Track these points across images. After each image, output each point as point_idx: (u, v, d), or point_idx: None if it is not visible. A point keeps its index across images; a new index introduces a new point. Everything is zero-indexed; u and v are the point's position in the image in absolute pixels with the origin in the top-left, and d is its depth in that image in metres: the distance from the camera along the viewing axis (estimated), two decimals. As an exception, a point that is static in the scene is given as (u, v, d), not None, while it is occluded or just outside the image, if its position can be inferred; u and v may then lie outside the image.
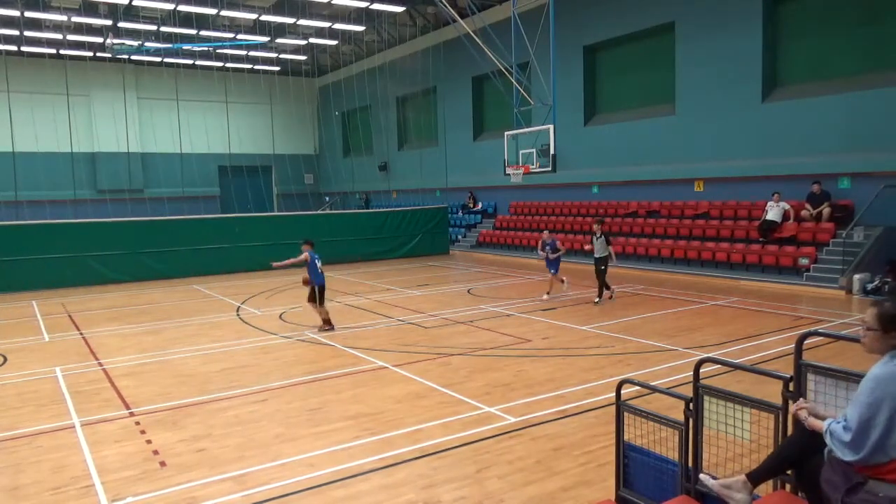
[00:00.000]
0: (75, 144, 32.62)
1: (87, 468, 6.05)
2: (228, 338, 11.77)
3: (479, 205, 28.71)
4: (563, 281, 15.18)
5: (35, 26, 26.92)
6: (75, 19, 25.96)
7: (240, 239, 21.65)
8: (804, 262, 15.97)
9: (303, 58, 35.35)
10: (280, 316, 13.76)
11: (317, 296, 11.98)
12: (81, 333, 12.48)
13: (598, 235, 14.12)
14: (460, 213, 29.24)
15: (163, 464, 6.09)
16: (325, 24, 28.14)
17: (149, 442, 6.66)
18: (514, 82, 19.13)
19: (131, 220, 21.27)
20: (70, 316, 14.46)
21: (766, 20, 17.95)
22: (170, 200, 33.36)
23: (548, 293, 15.07)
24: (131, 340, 11.74)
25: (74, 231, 19.46)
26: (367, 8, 26.35)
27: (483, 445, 6.32)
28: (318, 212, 29.50)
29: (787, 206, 16.98)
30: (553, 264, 14.96)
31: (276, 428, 6.99)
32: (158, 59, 33.53)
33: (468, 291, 16.59)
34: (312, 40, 31.24)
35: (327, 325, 12.10)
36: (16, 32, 27.43)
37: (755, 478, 3.55)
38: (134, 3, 24.23)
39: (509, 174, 18.95)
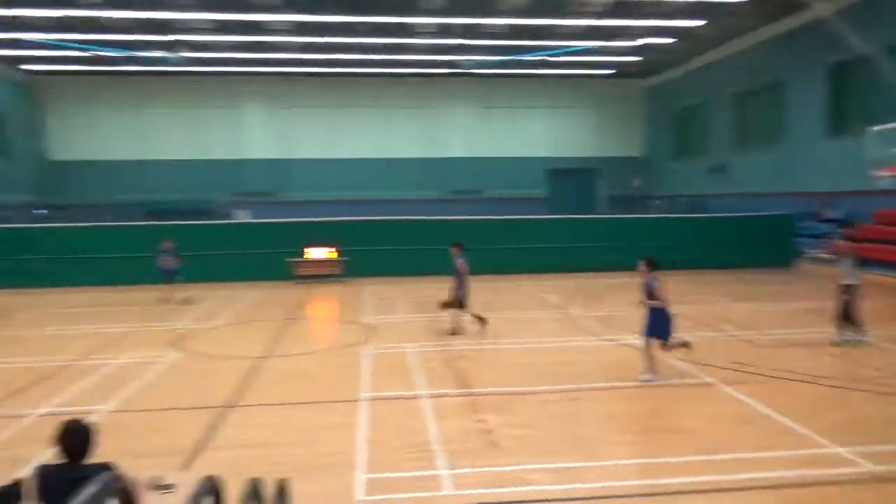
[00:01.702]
0: (430, 151, 37.97)
1: (429, 435, 6.95)
2: (553, 334, 12.31)
3: (834, 213, 24.96)
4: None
5: (403, 50, 31.51)
6: (434, 41, 29.67)
7: (568, 240, 22.40)
8: None
9: (634, 59, 34.95)
10: (603, 318, 13.88)
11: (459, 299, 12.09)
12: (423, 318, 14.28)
13: None
14: (810, 222, 25.77)
15: (493, 443, 6.68)
16: (660, 23, 27.40)
17: (481, 421, 7.36)
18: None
19: (469, 219, 23.57)
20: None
21: None
22: (505, 201, 36.11)
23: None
24: (471, 328, 13.02)
25: (424, 227, 22.32)
26: (706, 1, 24.93)
27: (827, 493, 5.55)
28: (644, 215, 28.90)
29: None
30: None
31: (596, 428, 7.12)
32: (500, 71, 36.42)
33: (813, 310, 14.60)
34: (646, 41, 30.70)
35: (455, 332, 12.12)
36: (388, 57, 32.48)
37: None
38: (481, 22, 26.77)
39: (883, 176, 16.03)
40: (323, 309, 17.03)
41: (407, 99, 37.85)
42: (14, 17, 25.42)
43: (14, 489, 4.03)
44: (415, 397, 8.35)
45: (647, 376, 8.87)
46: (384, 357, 10.65)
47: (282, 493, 4.23)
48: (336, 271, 20.79)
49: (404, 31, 28.18)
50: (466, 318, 12.41)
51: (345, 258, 20.74)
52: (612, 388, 8.74)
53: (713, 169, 32.41)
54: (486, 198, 37.84)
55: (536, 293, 17.78)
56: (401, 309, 15.50)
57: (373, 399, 8.28)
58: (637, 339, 11.52)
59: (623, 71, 37.38)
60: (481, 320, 12.35)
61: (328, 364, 10.44)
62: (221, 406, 8.02)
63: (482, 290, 18.43)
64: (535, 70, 36.40)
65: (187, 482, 4.08)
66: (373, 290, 18.60)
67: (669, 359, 10.11)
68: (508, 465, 6.13)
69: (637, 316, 12.63)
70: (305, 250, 20.81)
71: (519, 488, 5.66)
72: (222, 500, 3.28)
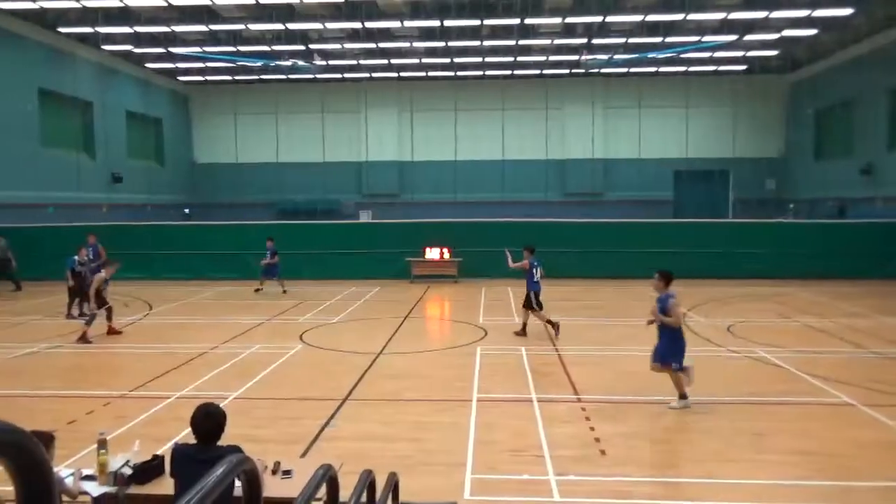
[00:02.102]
0: (550, 153, 37.73)
1: (539, 439, 6.91)
2: (671, 343, 11.79)
3: None
4: None
5: (525, 52, 31.40)
6: (557, 42, 29.33)
7: (693, 244, 21.41)
8: None
9: (773, 53, 32.71)
10: (728, 328, 13.15)
11: (532, 302, 12.08)
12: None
13: None
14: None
15: (603, 452, 6.53)
16: (802, 13, 25.46)
17: (592, 429, 7.22)
18: None
19: (587, 222, 23.11)
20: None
21: None
22: (626, 204, 35.06)
23: None
24: (583, 333, 12.79)
25: (539, 229, 22.15)
26: (858, -12, 22.90)
27: None
28: (779, 220, 27.00)
29: None
30: None
31: (713, 444, 6.77)
32: (624, 70, 35.39)
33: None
34: (786, 33, 28.66)
35: (551, 325, 12.09)
36: (510, 59, 32.49)
37: None
38: (607, 20, 26.14)
39: None
40: (438, 308, 17.35)
41: (528, 100, 37.69)
42: (171, 33, 27.97)
43: (154, 463, 4.47)
44: (525, 400, 8.32)
45: (677, 403, 7.89)
46: (496, 358, 10.70)
47: (393, 486, 4.39)
48: (452, 271, 21.14)
49: (527, 32, 28.09)
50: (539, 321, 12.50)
51: (461, 259, 21.03)
52: (734, 402, 8.26)
53: (862, 171, 29.69)
54: (607, 201, 36.93)
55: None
56: (514, 311, 15.48)
57: (483, 400, 8.34)
58: (764, 351, 10.82)
59: (759, 66, 35.14)
60: (553, 325, 12.23)
61: (441, 363, 10.64)
62: (338, 399, 8.40)
63: (598, 295, 18.04)
64: (662, 68, 35.06)
65: (305, 469, 4.33)
66: (487, 292, 18.72)
67: (805, 375, 9.41)
68: (617, 475, 5.98)
69: (770, 328, 11.93)
70: (424, 250, 21.31)
71: (627, 501, 5.50)
72: (337, 489, 3.45)
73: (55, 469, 3.50)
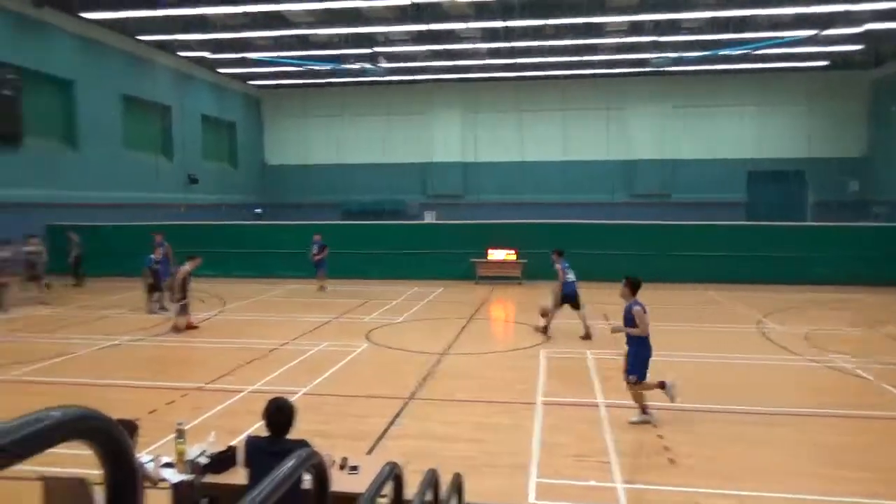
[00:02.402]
0: (616, 153, 36.96)
1: (606, 445, 6.79)
2: (746, 350, 11.40)
3: None
4: None
5: (589, 51, 30.92)
6: (625, 40, 28.76)
7: (767, 248, 20.61)
8: None
9: (855, 48, 31.07)
10: (805, 336, 12.58)
11: (569, 301, 12.47)
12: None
13: None
14: None
15: (672, 461, 6.36)
16: (888, 5, 24.08)
17: (660, 437, 7.04)
18: None
19: (653, 224, 22.53)
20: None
21: None
22: (695, 206, 34.00)
23: None
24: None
25: (604, 231, 21.75)
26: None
27: None
28: (861, 224, 25.64)
29: None
30: None
31: (785, 457, 6.50)
32: (693, 68, 34.35)
33: None
34: (870, 26, 27.18)
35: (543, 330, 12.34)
36: (573, 59, 32.07)
37: None
38: (676, 17, 25.45)
39: None
40: (502, 310, 17.30)
41: (593, 100, 37.14)
42: (244, 39, 28.94)
43: (229, 454, 4.63)
44: (591, 405, 8.20)
45: (637, 417, 7.47)
46: (561, 361, 10.58)
47: (457, 486, 4.41)
48: (516, 273, 21.04)
49: (593, 31, 27.67)
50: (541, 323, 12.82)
51: (525, 260, 20.89)
52: (812, 414, 7.90)
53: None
54: (676, 202, 35.93)
55: (726, 305, 16.57)
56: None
57: (548, 403, 8.26)
58: (845, 362, 10.28)
59: (841, 62, 33.45)
60: (545, 330, 12.60)
61: (505, 365, 10.60)
62: (403, 398, 8.49)
63: (667, 299, 17.57)
64: (734, 65, 33.86)
65: (371, 466, 4.39)
66: (552, 294, 18.51)
67: (890, 388, 8.91)
68: (686, 486, 5.81)
69: (850, 337, 11.34)
70: (488, 251, 21.29)
71: (698, 512, 5.34)
72: (402, 487, 3.50)
73: (137, 455, 3.68)
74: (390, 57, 31.48)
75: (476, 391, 8.88)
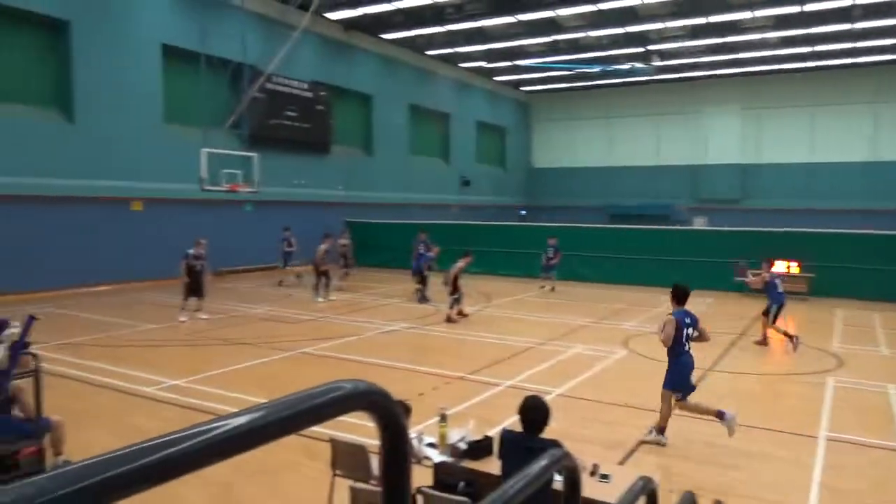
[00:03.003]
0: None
1: (909, 499, 5.72)
2: None
3: None
4: None
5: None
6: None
7: None
8: None
9: None
10: None
11: (772, 315, 12.00)
12: (920, 356, 11.67)
13: None
14: None
15: None
16: None
17: None
18: None
19: None
20: (910, 334, 13.72)
21: None
22: None
23: None
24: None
25: None
26: None
27: None
28: None
29: None
30: None
31: None
32: None
33: None
34: None
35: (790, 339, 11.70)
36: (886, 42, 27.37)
37: None
38: None
39: None
40: (781, 328, 15.52)
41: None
42: (517, 47, 30.16)
43: (485, 443, 4.89)
44: (892, 449, 6.97)
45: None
46: (854, 394, 9.16)
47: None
48: (800, 288, 18.68)
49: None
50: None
51: (812, 274, 18.48)
52: None
53: None
54: None
55: None
56: (882, 340, 13.06)
57: (835, 440, 7.22)
58: None
59: None
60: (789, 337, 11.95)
61: (782, 389, 9.52)
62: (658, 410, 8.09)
63: None
64: None
65: (623, 477, 4.29)
66: (843, 314, 16.12)
67: None
68: None
69: None
70: (773, 262, 19.26)
71: None
72: (656, 504, 3.35)
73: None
74: (663, 54, 30.19)
75: (746, 415, 8.09)
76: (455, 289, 14.37)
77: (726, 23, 25.63)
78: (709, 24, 25.84)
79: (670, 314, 7.34)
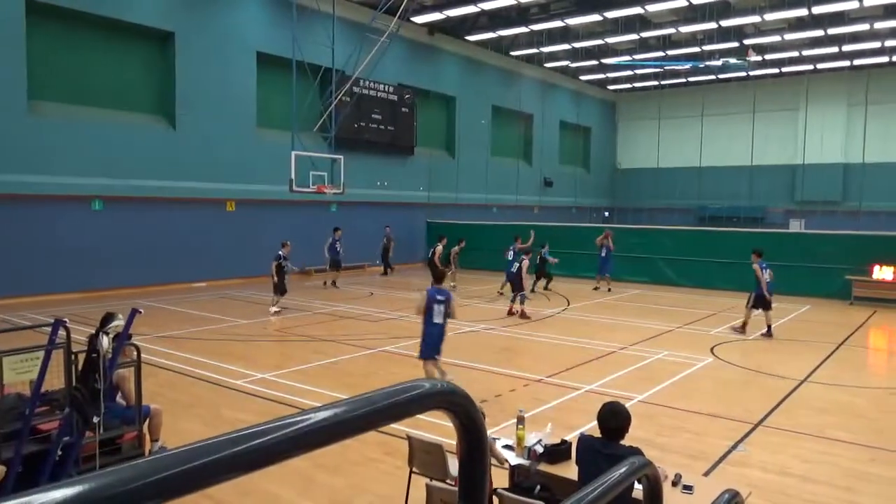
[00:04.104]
0: None
1: None
2: None
3: None
4: None
5: None
6: None
7: None
8: None
9: None
10: None
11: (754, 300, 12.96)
12: None
13: None
14: None
15: None
16: None
17: None
18: None
19: None
20: None
21: None
22: None
23: None
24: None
25: None
26: None
27: None
28: None
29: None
30: None
31: None
32: None
33: None
34: None
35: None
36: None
37: None
38: None
39: None
40: (886, 338, 14.52)
41: None
42: (604, 45, 29.57)
43: (563, 447, 4.84)
44: None
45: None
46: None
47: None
48: (909, 296, 17.40)
49: None
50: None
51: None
52: None
53: None
54: None
55: None
56: None
57: None
58: None
59: None
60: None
61: (888, 405, 8.89)
62: (749, 422, 7.75)
63: None
64: None
65: (708, 489, 4.16)
66: None
67: None
68: None
69: None
70: (872, 268, 18.06)
71: None
72: (742, 519, 3.22)
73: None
74: (759, 49, 28.83)
75: (845, 430, 7.64)
76: (521, 287, 15.25)
77: (831, 14, 24.18)
78: (811, 16, 24.46)
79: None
